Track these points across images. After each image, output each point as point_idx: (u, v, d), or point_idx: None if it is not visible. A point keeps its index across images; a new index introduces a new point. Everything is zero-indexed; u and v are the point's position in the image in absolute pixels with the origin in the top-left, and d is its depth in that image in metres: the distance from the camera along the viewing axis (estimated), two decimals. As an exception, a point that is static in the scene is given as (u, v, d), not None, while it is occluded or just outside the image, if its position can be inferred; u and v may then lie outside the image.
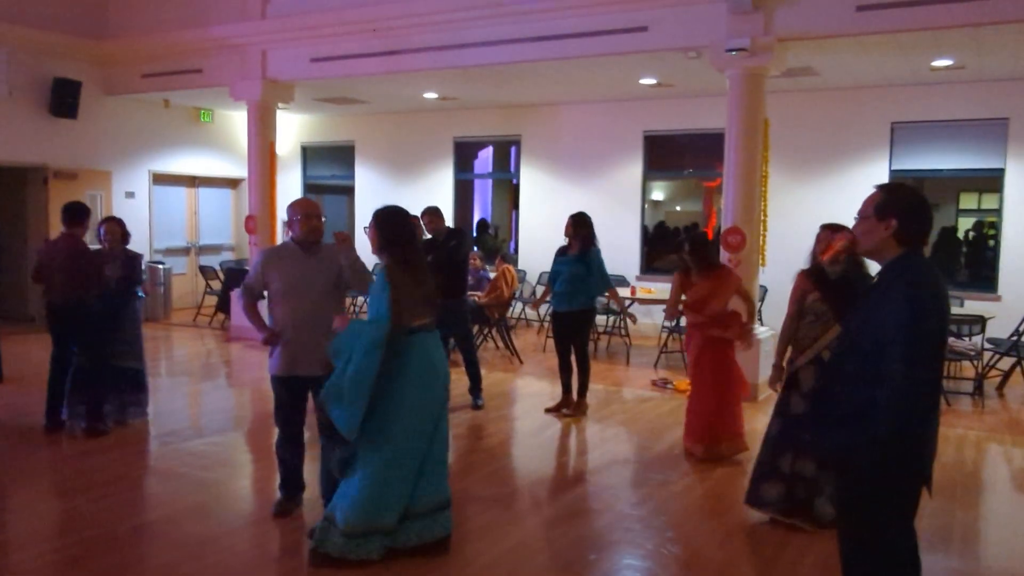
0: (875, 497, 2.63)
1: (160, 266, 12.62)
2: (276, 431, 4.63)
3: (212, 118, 13.76)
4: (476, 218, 14.46)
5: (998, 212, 9.81)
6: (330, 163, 14.71)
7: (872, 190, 2.74)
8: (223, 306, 11.82)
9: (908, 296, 2.50)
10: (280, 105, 11.25)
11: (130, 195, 12.59)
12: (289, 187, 14.23)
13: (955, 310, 8.50)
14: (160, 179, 13.09)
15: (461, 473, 5.40)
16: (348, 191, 14.27)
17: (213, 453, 5.88)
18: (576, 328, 6.99)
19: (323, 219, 4.54)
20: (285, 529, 4.48)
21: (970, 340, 8.16)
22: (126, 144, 12.48)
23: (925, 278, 2.56)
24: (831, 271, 4.34)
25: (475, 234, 13.69)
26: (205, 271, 12.52)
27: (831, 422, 2.68)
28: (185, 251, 13.71)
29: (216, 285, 12.24)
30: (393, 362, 3.89)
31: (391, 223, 4.07)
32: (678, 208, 15.18)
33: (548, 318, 8.94)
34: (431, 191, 12.99)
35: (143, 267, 6.69)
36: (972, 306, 8.82)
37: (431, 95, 11.64)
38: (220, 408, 7.79)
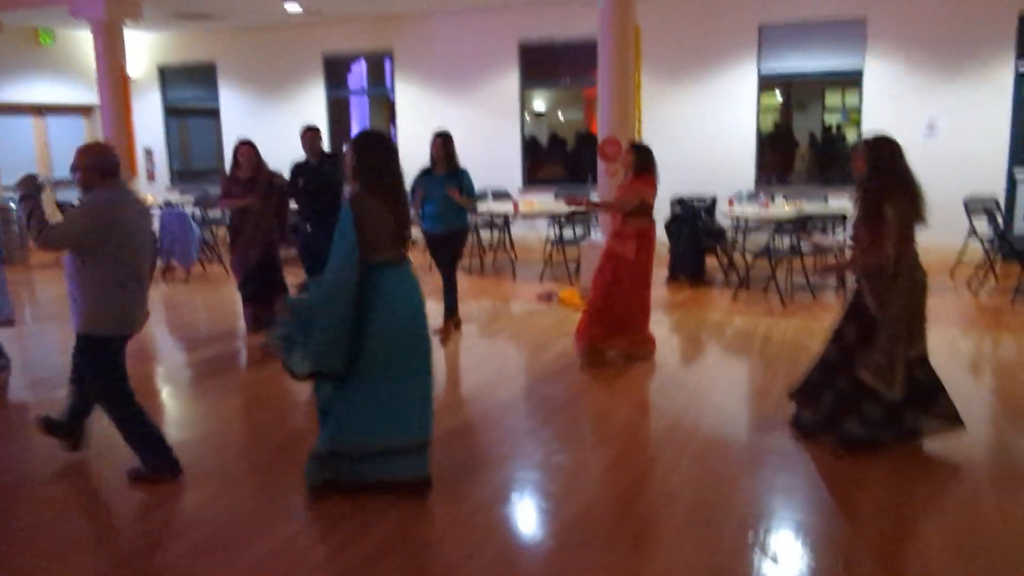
0: None
1: (11, 204, 11.70)
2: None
3: (54, 39, 12.64)
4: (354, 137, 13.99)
5: (859, 110, 10.22)
6: (191, 85, 13.83)
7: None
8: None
9: None
10: (129, 23, 10.42)
11: (-33, 128, 11.57)
12: (148, 112, 13.37)
13: (819, 208, 8.91)
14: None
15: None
16: (213, 114, 13.51)
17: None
18: (452, 248, 6.97)
19: None
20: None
21: (833, 236, 8.58)
22: (-44, 72, 11.38)
23: None
24: None
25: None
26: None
27: None
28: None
29: (77, 221, 11.45)
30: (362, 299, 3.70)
31: (367, 147, 3.81)
32: (561, 118, 15.11)
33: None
34: (303, 110, 12.46)
35: None
36: (835, 204, 9.24)
37: (294, 8, 11.02)
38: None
